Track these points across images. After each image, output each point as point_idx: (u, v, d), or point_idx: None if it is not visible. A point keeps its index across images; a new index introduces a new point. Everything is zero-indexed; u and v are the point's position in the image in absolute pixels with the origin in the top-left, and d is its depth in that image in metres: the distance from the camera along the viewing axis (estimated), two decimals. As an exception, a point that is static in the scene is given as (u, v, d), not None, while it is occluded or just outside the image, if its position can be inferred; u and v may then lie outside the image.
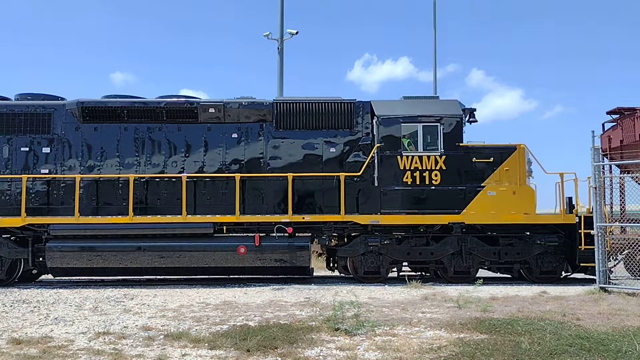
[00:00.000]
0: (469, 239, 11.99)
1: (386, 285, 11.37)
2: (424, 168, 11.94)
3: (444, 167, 11.93)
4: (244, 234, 12.14)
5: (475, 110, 12.81)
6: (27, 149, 12.42)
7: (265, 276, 12.46)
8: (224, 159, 12.55)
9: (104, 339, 6.28)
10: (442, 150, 11.98)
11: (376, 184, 12.07)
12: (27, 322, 7.39)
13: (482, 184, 11.98)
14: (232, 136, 12.58)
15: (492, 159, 12.03)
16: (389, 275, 12.30)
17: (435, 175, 11.91)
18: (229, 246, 11.74)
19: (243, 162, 12.53)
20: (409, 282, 11.02)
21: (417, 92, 15.16)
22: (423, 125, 12.07)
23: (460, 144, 12.06)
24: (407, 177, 11.93)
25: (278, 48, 20.85)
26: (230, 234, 12.18)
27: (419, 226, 12.09)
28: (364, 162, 12.09)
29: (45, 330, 6.86)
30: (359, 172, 12.02)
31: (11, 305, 8.89)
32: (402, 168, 11.94)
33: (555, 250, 12.04)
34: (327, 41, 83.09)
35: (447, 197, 11.89)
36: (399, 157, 11.97)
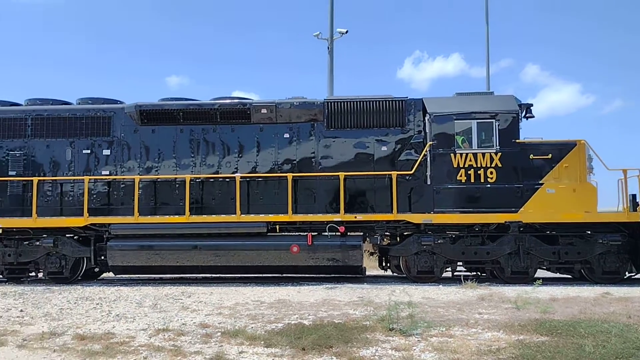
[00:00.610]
0: (526, 238, 11.63)
1: (440, 285, 11.19)
2: (479, 165, 11.67)
3: (499, 165, 11.63)
4: (297, 233, 12.23)
5: (532, 105, 12.43)
6: (89, 151, 12.93)
7: (317, 275, 12.52)
8: (276, 159, 12.68)
9: (164, 335, 6.44)
10: (498, 147, 11.68)
11: (429, 183, 11.90)
12: (90, 319, 7.67)
13: (540, 182, 11.60)
14: (284, 136, 12.69)
15: (550, 156, 11.63)
16: (442, 275, 12.10)
17: (491, 172, 11.63)
18: (282, 245, 11.85)
19: (295, 161, 12.62)
20: (464, 282, 10.80)
21: (469, 89, 14.94)
22: (477, 122, 11.80)
23: (517, 141, 11.73)
24: (461, 175, 11.70)
25: (328, 48, 20.88)
26: (283, 233, 12.30)
27: (474, 225, 11.83)
28: (416, 160, 11.94)
29: (108, 326, 7.09)
30: (411, 170, 11.88)
31: (75, 302, 9.26)
32: (455, 166, 11.71)
33: (618, 250, 11.53)
34: (376, 39, 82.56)
35: (503, 195, 11.58)
36: (452, 154, 11.75)
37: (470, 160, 11.72)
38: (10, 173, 12.91)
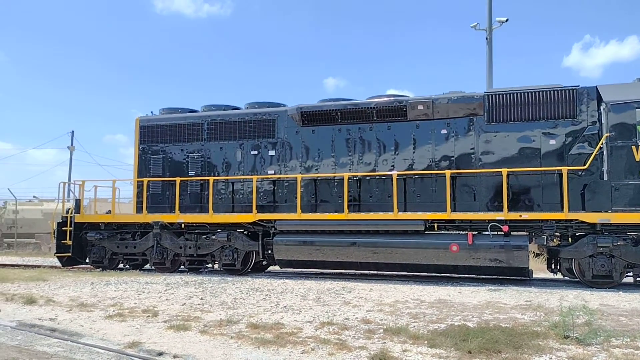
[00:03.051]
0: None
1: (620, 292, 10.10)
2: (667, 159, 10.31)
3: (694, 157, 10.18)
4: (456, 232, 11.89)
5: None
6: (256, 152, 13.87)
7: (478, 276, 12.04)
8: (433, 156, 12.45)
9: (328, 328, 6.65)
10: (692, 137, 10.22)
11: (605, 178, 10.81)
12: (260, 309, 8.18)
13: None
14: (441, 132, 12.41)
15: None
16: (622, 281, 10.92)
17: (682, 166, 10.21)
18: (441, 244, 11.59)
19: (453, 158, 12.28)
20: (650, 289, 9.63)
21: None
22: (665, 109, 10.44)
23: None
24: (644, 170, 10.44)
25: (486, 38, 19.95)
26: (442, 232, 12.03)
27: (661, 225, 10.49)
28: (590, 154, 10.94)
29: (277, 317, 7.51)
30: (584, 165, 10.92)
31: (247, 293, 9.96)
32: (638, 159, 10.48)
33: None
34: (540, 25, 77.16)
35: (699, 191, 10.11)
36: (634, 147, 10.53)
37: (656, 153, 10.41)
38: (190, 173, 14.35)
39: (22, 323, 7.38)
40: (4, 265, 16.69)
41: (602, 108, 11.05)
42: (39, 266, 16.34)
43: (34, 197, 32.89)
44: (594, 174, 10.99)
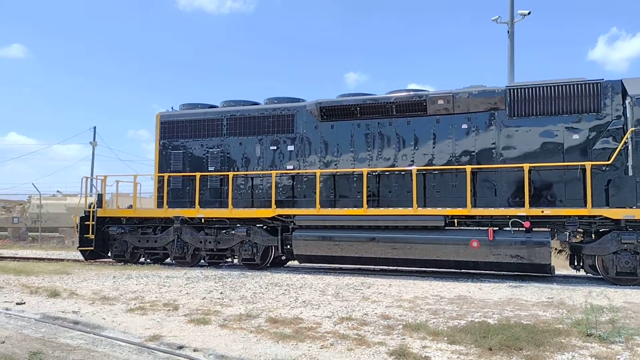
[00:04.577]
0: None
1: (645, 289, 9.92)
2: (695, 153, 10.08)
3: None
4: (476, 228, 11.77)
5: None
6: (275, 147, 13.90)
7: (498, 272, 11.92)
8: (453, 151, 12.34)
9: (347, 324, 6.64)
10: None
11: (630, 174, 10.61)
12: (279, 304, 8.21)
13: None
14: (462, 127, 12.29)
15: None
16: (647, 278, 10.71)
17: None
18: (461, 240, 11.48)
19: (473, 153, 12.15)
20: (676, 287, 9.43)
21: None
22: (693, 103, 10.19)
23: None
24: (671, 165, 10.22)
25: (508, 32, 19.67)
26: (462, 227, 11.92)
27: (688, 222, 10.27)
28: (615, 148, 10.74)
29: (296, 312, 7.52)
30: (608, 160, 10.72)
31: (266, 288, 10.00)
32: (664, 154, 10.26)
33: None
34: (564, 17, 75.90)
35: None
36: (660, 141, 10.31)
37: (684, 148, 10.17)
38: (210, 169, 14.44)
39: (46, 315, 7.51)
40: (28, 259, 17.01)
41: (627, 102, 10.84)
42: (62, 260, 16.62)
43: (58, 191, 33.48)
44: (619, 169, 10.80)
